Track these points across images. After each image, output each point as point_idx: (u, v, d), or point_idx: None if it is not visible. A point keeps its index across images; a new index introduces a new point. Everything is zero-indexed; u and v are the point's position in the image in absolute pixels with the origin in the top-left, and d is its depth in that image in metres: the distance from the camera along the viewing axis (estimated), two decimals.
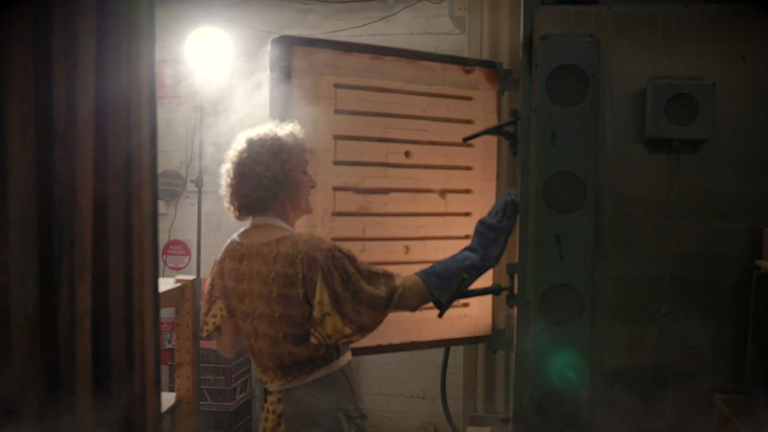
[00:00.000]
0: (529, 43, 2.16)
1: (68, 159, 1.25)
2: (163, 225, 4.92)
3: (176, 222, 5.04)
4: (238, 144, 2.07)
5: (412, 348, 2.60)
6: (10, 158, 1.14)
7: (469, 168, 2.65)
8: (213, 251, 2.31)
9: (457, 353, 3.29)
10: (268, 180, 2.01)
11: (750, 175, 2.10)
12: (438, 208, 2.62)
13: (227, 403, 4.34)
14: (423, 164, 2.59)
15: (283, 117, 2.21)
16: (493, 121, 2.63)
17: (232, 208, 2.08)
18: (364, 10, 4.75)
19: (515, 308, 2.26)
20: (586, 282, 2.08)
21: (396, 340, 2.54)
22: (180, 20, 4.68)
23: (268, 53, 2.33)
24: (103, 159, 1.35)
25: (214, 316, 2.10)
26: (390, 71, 2.51)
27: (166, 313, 4.03)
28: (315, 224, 2.37)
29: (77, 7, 1.27)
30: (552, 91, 2.07)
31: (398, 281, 2.00)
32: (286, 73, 2.32)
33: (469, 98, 2.63)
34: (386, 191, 2.53)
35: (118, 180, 1.40)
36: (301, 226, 2.20)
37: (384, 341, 2.51)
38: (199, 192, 4.34)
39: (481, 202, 2.66)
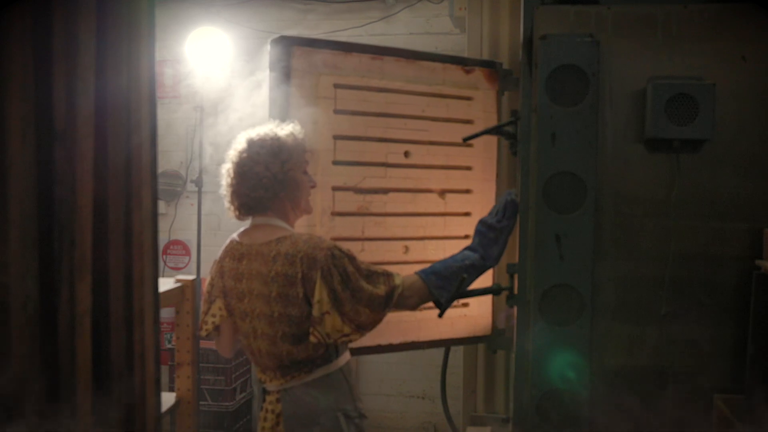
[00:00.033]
0: (529, 43, 2.16)
1: (68, 159, 1.25)
2: (163, 225, 4.92)
3: (176, 222, 5.04)
4: (239, 144, 2.07)
5: (412, 348, 2.60)
6: (10, 158, 1.14)
7: (468, 168, 2.65)
8: (213, 251, 2.31)
9: (457, 353, 3.29)
10: (267, 180, 2.01)
11: (750, 175, 2.10)
12: (437, 208, 2.62)
13: (227, 403, 4.34)
14: (423, 164, 2.59)
15: (282, 117, 2.22)
16: (493, 121, 2.63)
17: (232, 208, 2.09)
18: (364, 10, 4.74)
19: (515, 308, 2.26)
20: (586, 282, 2.08)
21: (396, 340, 2.54)
22: (180, 20, 4.68)
23: (267, 53, 2.33)
24: (103, 159, 1.35)
25: (213, 316, 2.10)
26: (390, 71, 2.52)
27: (166, 313, 4.03)
28: (314, 224, 2.38)
29: (77, 7, 1.27)
30: (552, 91, 2.07)
31: (397, 280, 2.01)
32: (285, 73, 2.32)
33: (468, 98, 2.63)
34: (386, 191, 2.53)
35: (118, 180, 1.40)
36: (300, 225, 2.20)
37: (384, 341, 2.51)
38: (199, 192, 4.34)
39: (481, 202, 2.66)
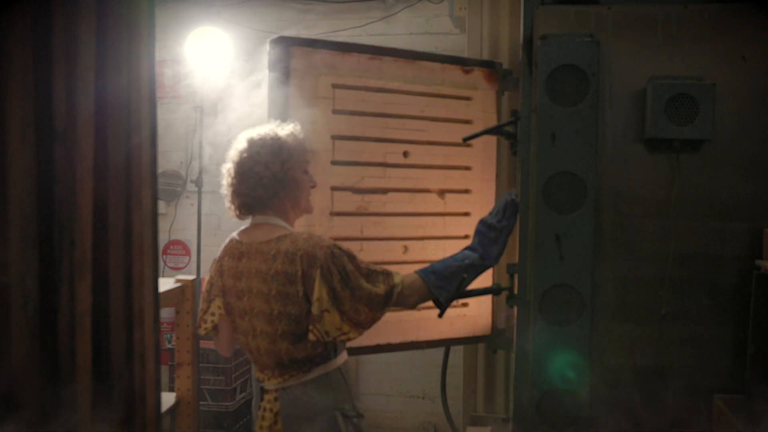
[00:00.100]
0: (529, 43, 2.16)
1: (68, 159, 1.25)
2: (163, 225, 4.92)
3: (176, 222, 5.04)
4: (239, 143, 2.08)
5: (412, 348, 2.60)
6: (10, 158, 1.14)
7: (468, 168, 2.65)
8: (213, 251, 2.31)
9: (457, 353, 3.29)
10: (267, 179, 2.01)
11: (750, 175, 2.10)
12: (437, 208, 2.62)
13: (227, 403, 4.33)
14: (422, 164, 2.59)
15: (281, 117, 2.22)
16: (492, 121, 2.63)
17: (232, 207, 2.09)
18: (364, 10, 4.74)
19: (515, 308, 2.26)
20: (586, 282, 2.08)
21: (395, 339, 2.54)
22: (180, 20, 4.68)
23: (267, 53, 2.33)
24: (103, 159, 1.35)
25: (213, 315, 2.11)
26: (388, 71, 2.52)
27: (166, 313, 4.03)
28: (313, 224, 2.38)
29: (77, 7, 1.27)
30: (552, 91, 2.07)
31: (397, 279, 2.01)
32: (284, 73, 2.32)
33: (468, 98, 2.63)
34: (384, 191, 2.53)
35: (118, 180, 1.40)
36: (299, 225, 2.21)
37: (383, 341, 2.51)
38: (199, 192, 4.34)
39: (481, 202, 2.66)
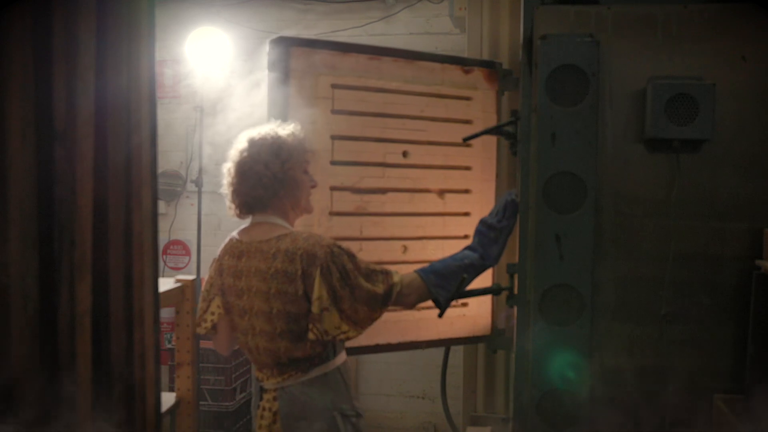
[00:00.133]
0: (529, 43, 2.16)
1: (68, 159, 1.25)
2: (163, 225, 4.92)
3: (176, 222, 5.04)
4: (240, 143, 2.08)
5: (411, 347, 2.60)
6: (10, 158, 1.14)
7: (468, 168, 2.65)
8: (213, 251, 2.31)
9: (457, 353, 3.29)
10: (267, 179, 2.02)
11: (750, 175, 2.10)
12: (436, 208, 2.62)
13: (227, 403, 4.33)
14: (421, 164, 2.59)
15: (281, 117, 2.22)
16: (492, 121, 2.63)
17: (232, 207, 2.10)
18: (364, 10, 4.74)
19: (515, 308, 2.26)
20: (586, 282, 2.08)
21: (394, 339, 2.54)
22: (180, 20, 4.68)
23: (267, 53, 2.33)
24: (103, 159, 1.35)
25: (212, 314, 2.11)
26: (388, 71, 2.52)
27: (166, 313, 4.03)
28: (312, 224, 2.38)
29: (77, 7, 1.27)
30: (552, 91, 2.07)
31: (396, 278, 2.01)
32: (284, 73, 2.32)
33: (468, 98, 2.63)
34: (384, 191, 2.53)
35: (118, 180, 1.40)
36: (298, 225, 2.20)
37: (382, 340, 2.51)
38: (199, 192, 4.34)
39: (481, 202, 2.66)
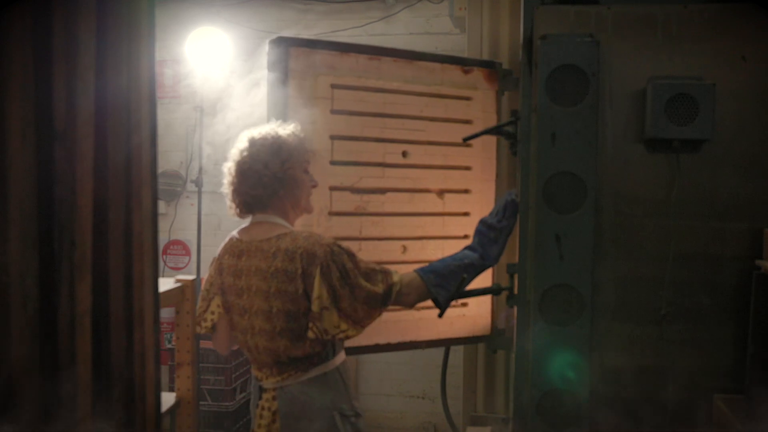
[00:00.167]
0: (529, 43, 2.16)
1: (68, 159, 1.25)
2: (163, 225, 4.92)
3: (176, 222, 5.04)
4: (241, 142, 2.09)
5: (411, 347, 2.60)
6: (10, 158, 1.14)
7: (467, 168, 2.65)
8: (213, 251, 2.31)
9: (457, 353, 3.29)
10: (267, 178, 2.02)
11: (750, 175, 2.10)
12: (436, 208, 2.62)
13: (227, 403, 4.33)
14: (421, 164, 2.59)
15: (280, 118, 2.22)
16: (492, 121, 2.63)
17: (233, 206, 2.10)
18: (364, 10, 4.74)
19: (515, 308, 2.26)
20: (586, 282, 2.08)
21: (394, 339, 2.54)
22: (180, 20, 4.68)
23: (266, 53, 2.34)
24: (103, 159, 1.35)
25: (212, 313, 2.11)
26: (387, 72, 2.52)
27: (166, 313, 4.02)
28: (312, 224, 2.38)
29: (77, 7, 1.27)
30: (552, 91, 2.07)
31: (395, 278, 2.02)
32: (283, 74, 2.32)
33: (467, 98, 2.63)
34: (383, 191, 2.53)
35: (118, 180, 1.40)
36: (297, 225, 2.21)
37: (382, 340, 2.51)
38: (199, 192, 4.34)
39: (480, 202, 2.66)
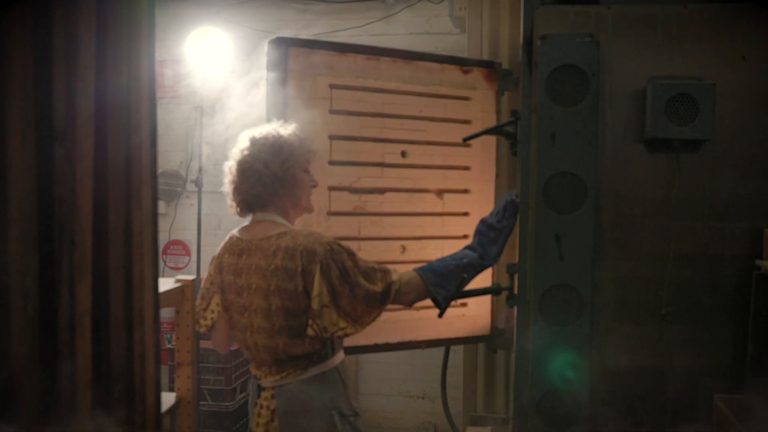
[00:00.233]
0: (529, 43, 2.16)
1: (68, 159, 1.25)
2: (163, 225, 4.92)
3: (176, 222, 5.04)
4: (242, 142, 2.09)
5: (410, 347, 2.60)
6: (10, 158, 1.14)
7: (467, 168, 2.65)
8: (213, 251, 2.31)
9: (457, 353, 3.29)
10: (267, 177, 2.03)
11: (750, 175, 2.10)
12: (435, 208, 2.62)
13: (227, 403, 4.33)
14: (420, 164, 2.59)
15: (279, 118, 2.22)
16: (491, 122, 2.63)
17: (233, 205, 2.11)
18: (364, 10, 4.74)
19: (515, 308, 2.26)
20: (586, 282, 2.08)
21: (393, 339, 2.54)
22: (180, 20, 4.68)
23: (266, 54, 2.34)
24: (103, 159, 1.35)
25: (212, 312, 2.12)
26: (386, 72, 2.52)
27: (166, 313, 4.02)
28: (311, 224, 2.38)
29: (77, 7, 1.27)
30: (552, 91, 2.07)
31: (395, 277, 2.02)
32: (282, 74, 2.32)
33: (467, 98, 2.63)
34: (382, 191, 2.53)
35: (118, 180, 1.40)
36: (296, 225, 2.21)
37: (381, 340, 2.51)
38: (199, 192, 4.34)
39: (480, 202, 2.66)
